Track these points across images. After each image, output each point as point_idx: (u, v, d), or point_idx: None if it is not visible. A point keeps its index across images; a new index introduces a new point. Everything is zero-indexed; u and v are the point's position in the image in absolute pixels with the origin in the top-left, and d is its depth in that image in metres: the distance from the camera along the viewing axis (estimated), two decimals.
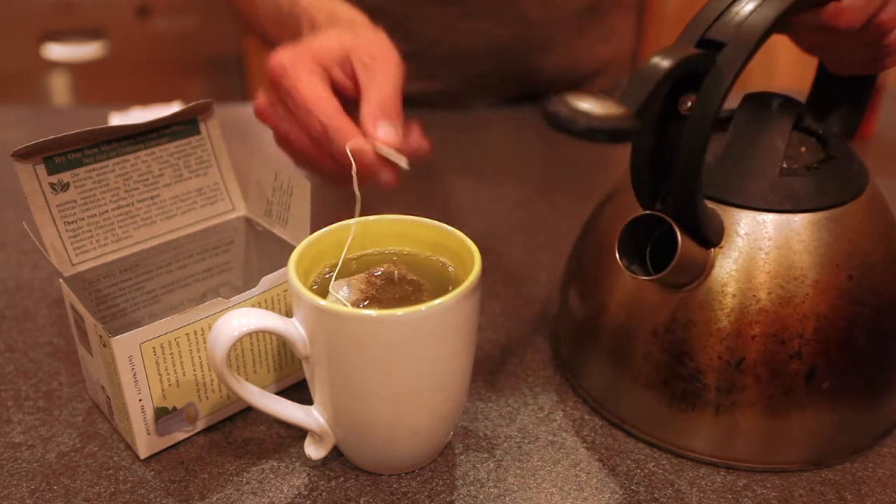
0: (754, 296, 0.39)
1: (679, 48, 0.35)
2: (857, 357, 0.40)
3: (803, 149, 0.43)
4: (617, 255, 0.39)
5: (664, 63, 0.34)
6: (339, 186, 0.47)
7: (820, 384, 0.40)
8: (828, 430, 0.41)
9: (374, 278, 0.40)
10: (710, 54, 0.36)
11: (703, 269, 0.40)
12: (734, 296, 0.39)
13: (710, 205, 0.40)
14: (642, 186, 0.40)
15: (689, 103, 0.36)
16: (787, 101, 0.43)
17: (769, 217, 0.40)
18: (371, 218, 0.43)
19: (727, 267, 0.40)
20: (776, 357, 0.39)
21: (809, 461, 0.42)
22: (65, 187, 0.43)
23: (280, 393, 0.46)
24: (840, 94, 0.46)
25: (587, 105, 0.30)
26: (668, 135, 0.38)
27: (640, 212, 0.39)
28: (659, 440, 0.43)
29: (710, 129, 0.36)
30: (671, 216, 0.38)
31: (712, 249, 0.40)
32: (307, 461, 0.42)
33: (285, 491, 0.41)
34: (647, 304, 0.42)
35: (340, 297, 0.39)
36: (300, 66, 0.46)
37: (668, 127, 0.37)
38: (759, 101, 0.43)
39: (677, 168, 0.37)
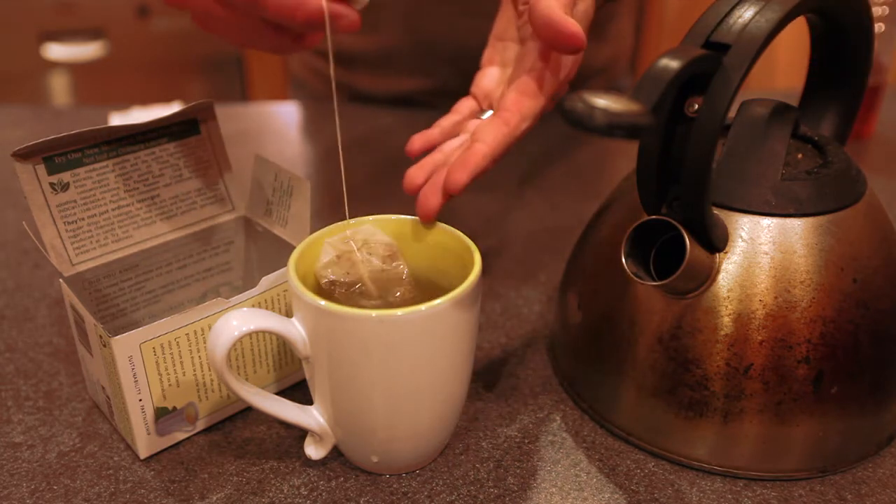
0: (761, 300, 0.39)
1: (686, 50, 0.35)
2: (863, 362, 0.40)
3: (800, 155, 0.43)
4: (623, 261, 0.39)
5: (674, 63, 0.34)
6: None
7: (828, 389, 0.40)
8: (834, 436, 0.41)
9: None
10: (716, 56, 0.36)
11: (709, 275, 0.39)
12: (741, 301, 0.39)
13: (713, 210, 0.40)
14: (649, 191, 0.40)
15: (696, 105, 0.36)
16: (784, 107, 0.43)
17: (772, 221, 0.40)
18: (371, 218, 0.43)
19: (732, 272, 0.40)
20: (784, 362, 0.39)
21: (816, 469, 0.42)
22: (65, 187, 0.43)
23: (280, 393, 0.46)
24: (831, 101, 0.46)
25: (604, 102, 0.30)
26: (675, 138, 0.38)
27: (643, 218, 0.39)
28: (664, 450, 0.42)
29: (719, 129, 0.35)
30: (678, 220, 0.38)
31: (717, 255, 0.40)
32: (307, 461, 0.42)
33: (285, 491, 0.41)
34: (651, 311, 0.41)
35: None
36: None
37: (675, 130, 0.37)
38: (758, 107, 0.43)
39: (686, 171, 0.37)
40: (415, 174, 0.44)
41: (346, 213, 0.42)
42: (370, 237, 0.42)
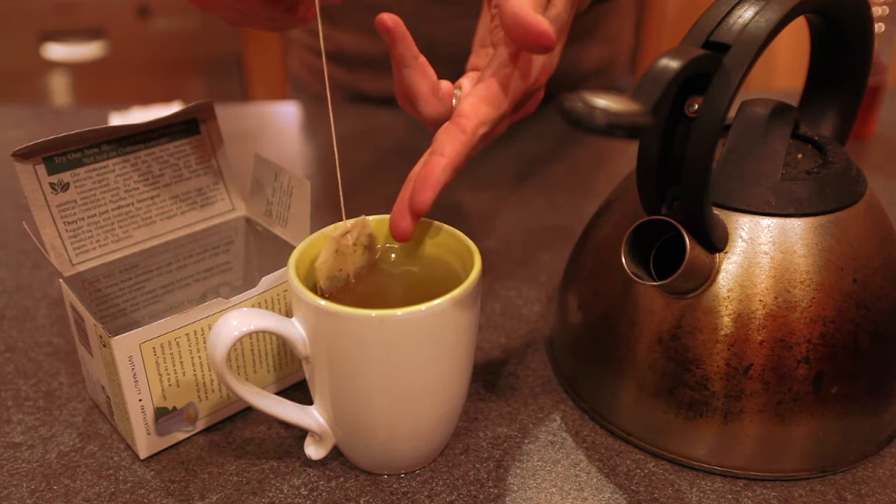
0: (761, 300, 0.39)
1: (686, 50, 0.35)
2: (863, 362, 0.40)
3: (800, 155, 0.43)
4: (623, 261, 0.39)
5: (674, 63, 0.34)
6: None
7: (828, 389, 0.40)
8: (834, 436, 0.41)
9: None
10: (716, 56, 0.36)
11: (709, 275, 0.39)
12: (741, 301, 0.39)
13: (713, 210, 0.40)
14: (649, 191, 0.40)
15: (696, 105, 0.36)
16: (784, 107, 0.43)
17: (772, 221, 0.40)
18: (371, 218, 0.43)
19: (732, 272, 0.40)
20: (784, 362, 0.39)
21: (816, 469, 0.42)
22: (65, 187, 0.43)
23: (280, 393, 0.46)
24: (831, 101, 0.46)
25: (604, 102, 0.30)
26: (675, 138, 0.38)
27: (643, 218, 0.39)
28: (664, 450, 0.42)
29: (719, 129, 0.35)
30: (678, 220, 0.38)
31: (717, 255, 0.40)
32: (307, 461, 0.42)
33: (285, 491, 0.41)
34: (651, 311, 0.41)
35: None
36: None
37: (675, 130, 0.37)
38: (758, 107, 0.43)
39: (686, 171, 0.37)
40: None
41: (343, 214, 0.42)
42: (361, 229, 0.42)
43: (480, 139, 0.43)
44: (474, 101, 0.42)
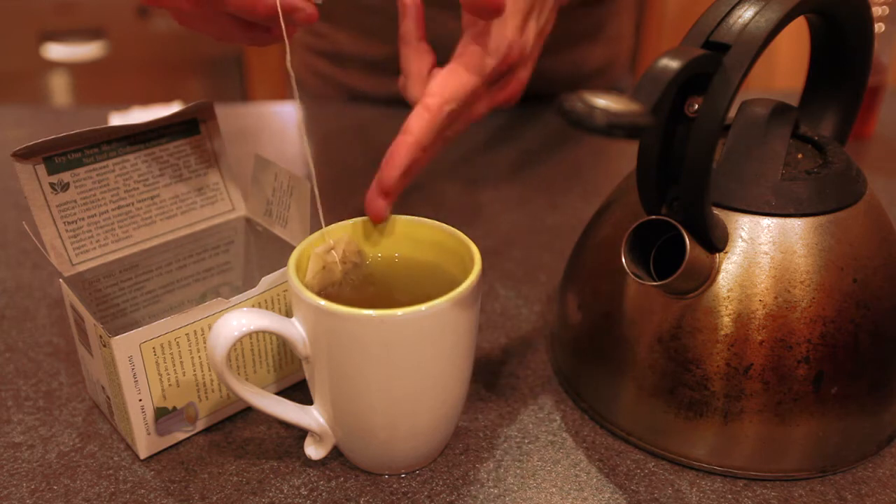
0: (761, 300, 0.39)
1: (686, 50, 0.35)
2: (863, 361, 0.40)
3: (800, 155, 0.43)
4: (623, 261, 0.39)
5: (674, 63, 0.34)
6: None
7: (828, 389, 0.40)
8: (834, 436, 0.41)
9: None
10: (716, 56, 0.36)
11: (709, 275, 0.40)
12: (741, 301, 0.39)
13: (713, 210, 0.40)
14: (649, 191, 0.40)
15: (696, 105, 0.36)
16: (785, 107, 0.43)
17: (772, 221, 0.40)
18: (360, 220, 0.43)
19: (732, 272, 0.40)
20: (784, 362, 0.39)
21: (816, 469, 0.42)
22: (65, 187, 0.43)
23: (280, 393, 0.46)
24: (831, 101, 0.46)
25: (604, 102, 0.30)
26: (675, 138, 0.38)
27: (643, 218, 0.39)
28: (664, 450, 0.42)
29: (719, 129, 0.36)
30: (678, 220, 0.38)
31: (717, 255, 0.40)
32: (307, 461, 0.42)
33: (285, 491, 0.41)
34: (651, 311, 0.41)
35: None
36: None
37: (675, 130, 0.37)
38: (758, 107, 0.43)
39: (686, 171, 0.37)
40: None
41: (322, 222, 0.42)
42: (346, 245, 0.42)
43: (447, 117, 0.43)
44: (439, 80, 0.44)
